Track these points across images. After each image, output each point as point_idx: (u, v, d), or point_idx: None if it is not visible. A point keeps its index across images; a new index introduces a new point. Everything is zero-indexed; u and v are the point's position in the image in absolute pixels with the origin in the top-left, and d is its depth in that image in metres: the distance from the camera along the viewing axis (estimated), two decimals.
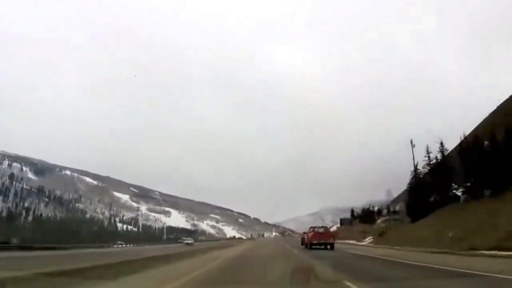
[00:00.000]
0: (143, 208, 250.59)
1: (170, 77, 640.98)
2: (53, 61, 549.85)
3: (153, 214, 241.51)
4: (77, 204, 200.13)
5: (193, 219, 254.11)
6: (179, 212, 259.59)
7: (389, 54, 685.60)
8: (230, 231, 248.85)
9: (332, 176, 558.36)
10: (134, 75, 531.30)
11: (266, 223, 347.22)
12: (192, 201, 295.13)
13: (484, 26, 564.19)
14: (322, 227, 41.77)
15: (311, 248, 29.64)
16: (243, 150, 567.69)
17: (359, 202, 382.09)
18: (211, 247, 38.27)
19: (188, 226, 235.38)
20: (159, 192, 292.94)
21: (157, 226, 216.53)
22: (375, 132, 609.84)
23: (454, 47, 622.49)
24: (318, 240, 30.82)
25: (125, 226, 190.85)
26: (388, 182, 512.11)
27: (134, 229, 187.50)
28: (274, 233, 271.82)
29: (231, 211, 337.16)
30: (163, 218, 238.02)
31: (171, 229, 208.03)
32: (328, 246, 29.94)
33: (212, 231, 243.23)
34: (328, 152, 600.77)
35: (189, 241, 68.42)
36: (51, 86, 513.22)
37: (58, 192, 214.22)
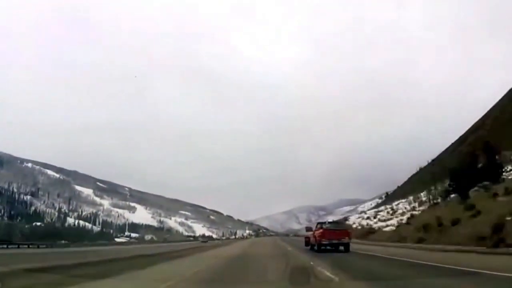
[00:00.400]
0: (106, 203, 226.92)
1: (143, 72, 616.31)
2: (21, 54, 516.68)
3: (116, 209, 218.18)
4: (26, 197, 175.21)
5: (160, 215, 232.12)
6: (146, 208, 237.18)
7: (374, 56, 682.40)
8: (200, 229, 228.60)
9: (305, 176, 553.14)
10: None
11: (239, 220, 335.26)
12: (163, 197, 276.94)
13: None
14: (334, 222, 32.19)
15: (320, 251, 23.05)
16: (218, 149, 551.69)
17: (331, 200, 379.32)
18: None
19: (154, 222, 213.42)
20: (130, 188, 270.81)
21: (118, 223, 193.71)
22: (349, 134, 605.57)
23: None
24: (329, 240, 23.47)
25: (80, 222, 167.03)
26: (360, 182, 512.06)
27: (89, 225, 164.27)
28: (247, 231, 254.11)
29: (204, 208, 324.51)
30: (126, 214, 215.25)
31: (133, 226, 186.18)
32: (342, 247, 23.21)
33: (180, 228, 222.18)
34: (302, 153, 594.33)
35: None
36: (24, 80, 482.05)
37: (14, 185, 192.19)
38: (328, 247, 23.37)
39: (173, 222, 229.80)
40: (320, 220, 33.35)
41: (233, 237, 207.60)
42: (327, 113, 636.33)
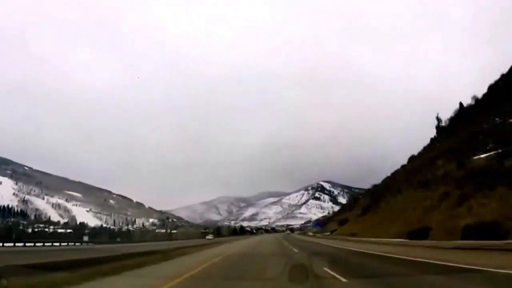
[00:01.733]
0: None
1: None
2: None
3: None
4: None
5: (29, 193, 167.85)
6: (16, 184, 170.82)
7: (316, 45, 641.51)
8: (83, 214, 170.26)
9: (227, 167, 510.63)
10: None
11: (150, 208, 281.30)
12: (65, 179, 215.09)
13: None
14: None
15: None
16: (137, 136, 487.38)
17: (253, 192, 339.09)
18: None
19: (13, 201, 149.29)
20: (29, 168, 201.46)
21: None
22: (273, 126, 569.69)
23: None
24: None
25: None
26: (282, 175, 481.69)
27: None
28: (151, 220, 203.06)
29: (110, 192, 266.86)
30: None
31: None
32: None
33: (52, 212, 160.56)
34: (225, 143, 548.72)
35: None
36: None
37: None
38: None
39: (44, 202, 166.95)
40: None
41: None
42: (253, 102, 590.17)
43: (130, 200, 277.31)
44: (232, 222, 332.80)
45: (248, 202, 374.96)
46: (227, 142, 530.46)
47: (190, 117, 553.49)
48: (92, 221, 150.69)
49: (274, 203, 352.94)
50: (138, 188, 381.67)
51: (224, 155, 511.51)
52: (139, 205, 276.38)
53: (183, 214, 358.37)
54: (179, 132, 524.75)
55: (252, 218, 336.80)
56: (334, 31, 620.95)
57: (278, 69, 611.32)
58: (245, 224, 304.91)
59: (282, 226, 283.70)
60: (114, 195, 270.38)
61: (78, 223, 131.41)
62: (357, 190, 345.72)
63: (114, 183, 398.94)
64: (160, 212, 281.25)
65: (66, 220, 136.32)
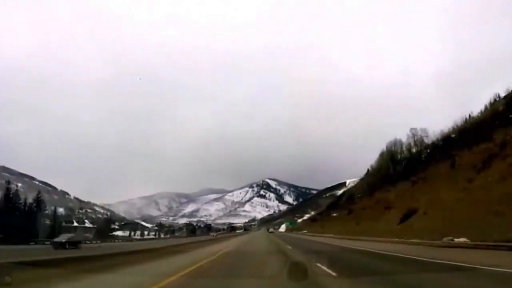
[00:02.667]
0: None
1: None
2: None
3: None
4: None
5: None
6: None
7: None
8: None
9: (169, 162, 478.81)
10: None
11: (76, 198, 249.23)
12: None
13: None
14: None
15: None
16: (71, 121, 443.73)
17: (195, 189, 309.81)
18: None
19: None
20: None
21: None
22: (219, 116, 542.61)
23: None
24: None
25: None
26: (224, 172, 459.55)
27: None
28: (60, 209, 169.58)
29: (32, 178, 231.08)
30: None
31: None
32: None
33: None
34: (168, 137, 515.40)
35: None
36: None
37: None
38: None
39: None
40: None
41: None
42: (197, 94, 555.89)
43: (53, 188, 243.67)
44: (171, 218, 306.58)
45: (189, 198, 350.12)
46: (170, 137, 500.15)
47: (132, 109, 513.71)
48: None
49: (216, 199, 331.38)
50: (78, 181, 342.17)
51: (167, 149, 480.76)
52: (63, 193, 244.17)
53: (121, 209, 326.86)
54: (123, 125, 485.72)
55: (192, 214, 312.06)
56: (290, 19, 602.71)
57: (224, 58, 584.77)
58: (184, 220, 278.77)
59: (224, 224, 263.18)
60: (36, 182, 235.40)
61: None
62: (304, 190, 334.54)
63: (51, 173, 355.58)
64: (86, 203, 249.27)
65: None
